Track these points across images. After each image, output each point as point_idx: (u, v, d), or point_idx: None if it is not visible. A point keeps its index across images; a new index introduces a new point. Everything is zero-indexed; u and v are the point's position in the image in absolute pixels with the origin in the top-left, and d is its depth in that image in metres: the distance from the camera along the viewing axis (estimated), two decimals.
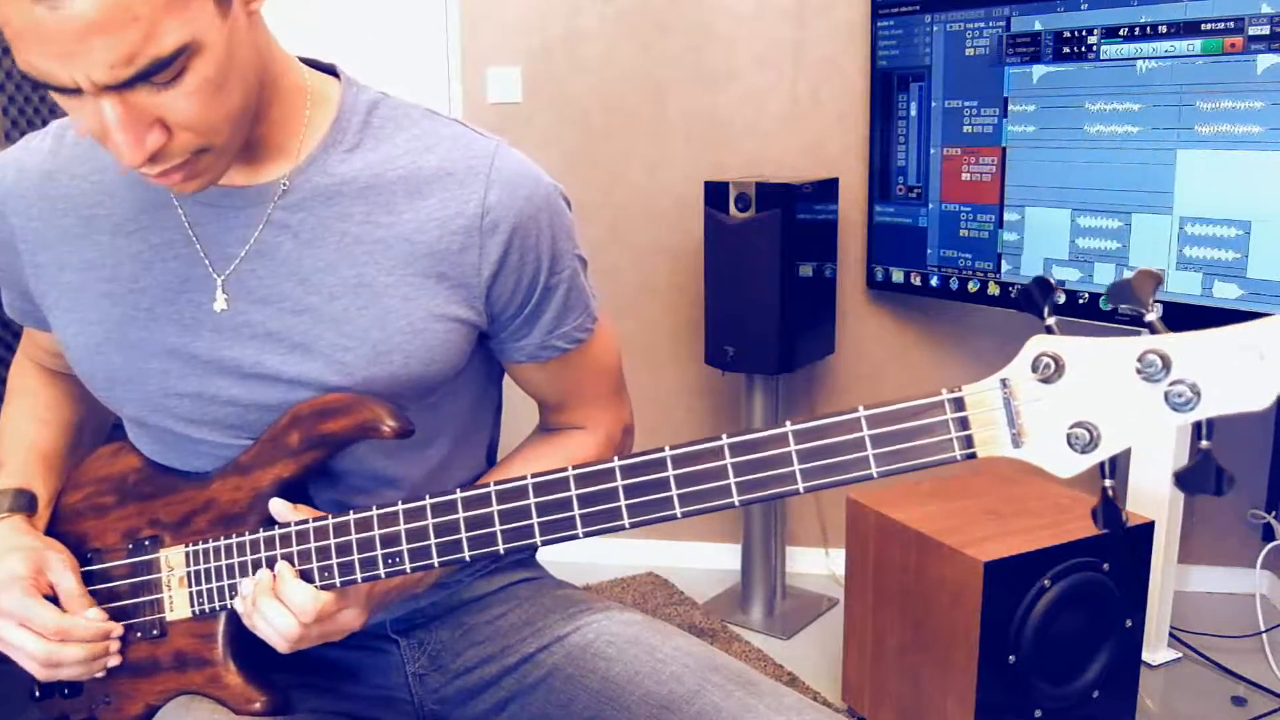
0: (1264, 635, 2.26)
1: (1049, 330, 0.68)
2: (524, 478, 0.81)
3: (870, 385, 2.60)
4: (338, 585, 0.85)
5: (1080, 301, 2.03)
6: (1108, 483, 0.69)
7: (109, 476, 0.97)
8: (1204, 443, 0.65)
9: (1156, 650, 2.17)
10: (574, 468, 0.79)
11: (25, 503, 0.97)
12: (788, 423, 0.73)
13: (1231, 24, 1.75)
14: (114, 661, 0.93)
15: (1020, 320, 2.33)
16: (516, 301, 0.92)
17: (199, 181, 0.81)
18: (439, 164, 0.89)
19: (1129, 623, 1.75)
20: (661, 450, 0.76)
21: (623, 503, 0.78)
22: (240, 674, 0.90)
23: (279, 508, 0.87)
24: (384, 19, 2.59)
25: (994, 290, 2.19)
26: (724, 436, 0.75)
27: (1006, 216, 2.13)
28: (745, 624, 2.43)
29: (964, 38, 2.15)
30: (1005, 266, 2.15)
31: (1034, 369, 0.67)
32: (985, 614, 1.62)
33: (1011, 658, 1.65)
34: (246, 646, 0.90)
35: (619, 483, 0.78)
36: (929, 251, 2.30)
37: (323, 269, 0.87)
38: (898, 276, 2.38)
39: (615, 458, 0.78)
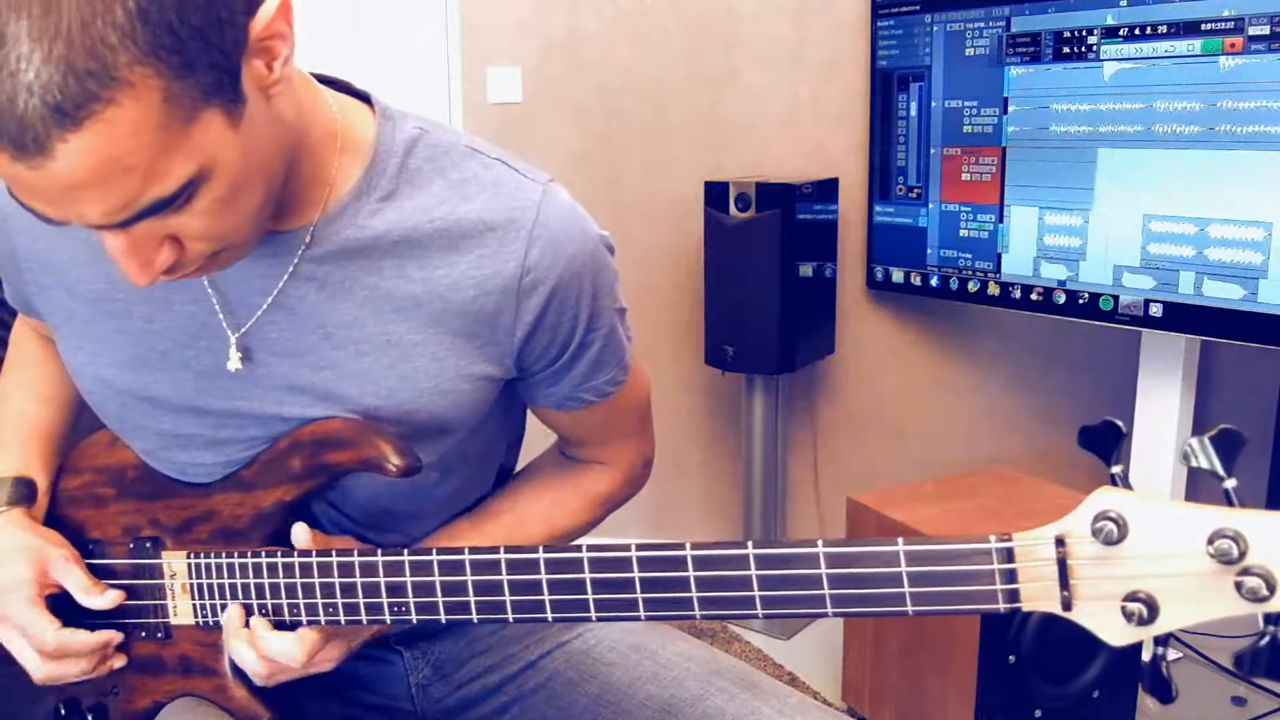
0: None
1: (1114, 480, 0.63)
2: (535, 550, 0.77)
3: (870, 385, 2.60)
4: (342, 623, 0.82)
5: (1080, 301, 2.03)
6: (1160, 650, 0.64)
7: (107, 468, 0.95)
8: (1271, 627, 0.61)
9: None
10: (588, 549, 0.76)
11: (25, 493, 0.95)
12: (820, 542, 0.69)
13: (1231, 24, 1.75)
14: (119, 663, 0.92)
15: (1021, 321, 2.33)
16: (548, 357, 0.88)
17: (220, 268, 0.76)
18: (479, 215, 0.82)
19: None
20: (682, 548, 0.72)
21: (639, 595, 0.74)
22: (245, 687, 0.89)
23: (300, 535, 0.84)
24: (384, 19, 2.59)
25: (994, 290, 2.19)
26: (749, 545, 0.71)
27: (1006, 216, 2.13)
28: (745, 624, 2.43)
29: (964, 38, 2.15)
30: (1005, 266, 2.15)
31: (1095, 530, 0.62)
32: (985, 614, 1.62)
33: (1011, 658, 1.65)
34: None
35: (636, 574, 0.74)
36: (929, 251, 2.30)
37: (349, 324, 0.82)
38: (898, 276, 2.38)
39: (632, 547, 0.74)
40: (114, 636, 0.91)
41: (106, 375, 0.87)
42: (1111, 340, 2.14)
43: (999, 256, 2.16)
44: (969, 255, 2.22)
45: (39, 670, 0.89)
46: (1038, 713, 1.69)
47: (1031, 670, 1.66)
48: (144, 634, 0.92)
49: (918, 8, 2.22)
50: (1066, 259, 2.04)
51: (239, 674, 0.89)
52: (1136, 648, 1.99)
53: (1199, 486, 2.09)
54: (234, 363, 0.83)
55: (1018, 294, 2.14)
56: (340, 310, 0.82)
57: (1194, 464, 0.61)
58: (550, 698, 0.95)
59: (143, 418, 0.88)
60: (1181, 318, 1.86)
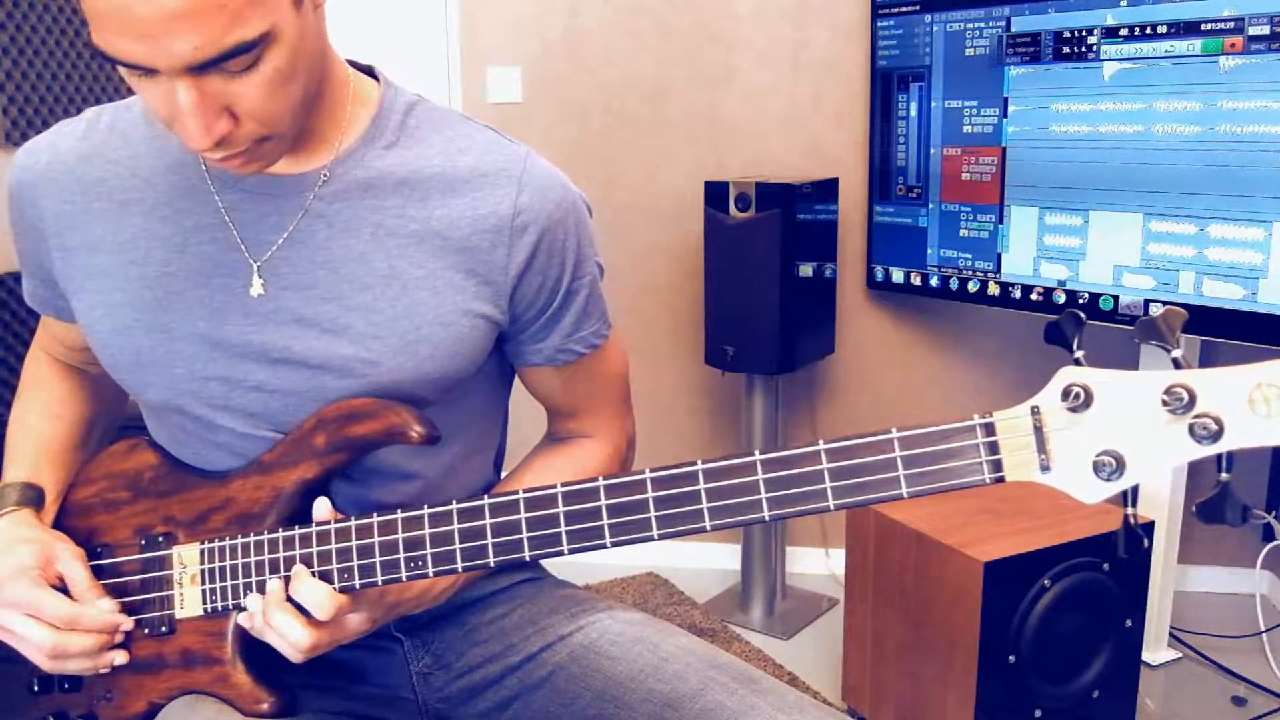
0: (1264, 635, 2.26)
1: (1078, 363, 0.70)
2: (554, 486, 0.81)
3: (870, 385, 2.60)
4: (357, 587, 0.85)
5: (1080, 301, 2.03)
6: (1129, 510, 0.71)
7: (123, 472, 0.97)
8: (1224, 475, 0.67)
9: (1156, 650, 2.18)
10: (604, 478, 0.80)
11: (33, 497, 0.97)
12: (820, 441, 0.75)
13: (1231, 24, 1.75)
14: (120, 660, 0.93)
15: (1020, 320, 2.33)
16: (539, 303, 0.94)
17: (257, 166, 0.83)
18: (473, 165, 0.91)
19: (1129, 623, 1.75)
20: (694, 464, 0.77)
21: (653, 514, 0.78)
22: (249, 674, 0.89)
23: (322, 509, 0.87)
24: (384, 18, 2.59)
25: (994, 290, 2.19)
26: (756, 452, 0.76)
27: (1006, 216, 2.14)
28: (745, 624, 2.43)
29: (964, 38, 2.15)
30: (1005, 266, 2.15)
31: (1064, 398, 0.69)
32: (985, 614, 1.62)
33: (1011, 658, 1.65)
34: (255, 646, 0.89)
35: (650, 494, 0.78)
36: (929, 251, 2.30)
37: (355, 259, 0.89)
38: (898, 276, 2.38)
39: (646, 470, 0.79)
40: (125, 621, 0.92)
41: (125, 322, 0.91)
42: (1111, 340, 2.14)
43: (999, 256, 2.16)
44: (969, 255, 2.22)
45: (48, 640, 0.89)
46: (1038, 713, 1.69)
47: (1031, 670, 1.66)
48: (146, 630, 0.93)
49: (918, 8, 2.22)
50: (1067, 259, 2.04)
51: (244, 659, 0.90)
52: (1136, 650, 1.98)
53: (1199, 482, 2.09)
54: (256, 288, 0.89)
55: (1018, 294, 2.14)
56: (348, 246, 0.89)
57: (1149, 341, 0.69)
58: (554, 692, 0.96)
59: (158, 363, 0.90)
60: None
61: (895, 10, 2.27)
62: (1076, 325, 0.71)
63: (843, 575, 2.10)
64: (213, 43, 0.71)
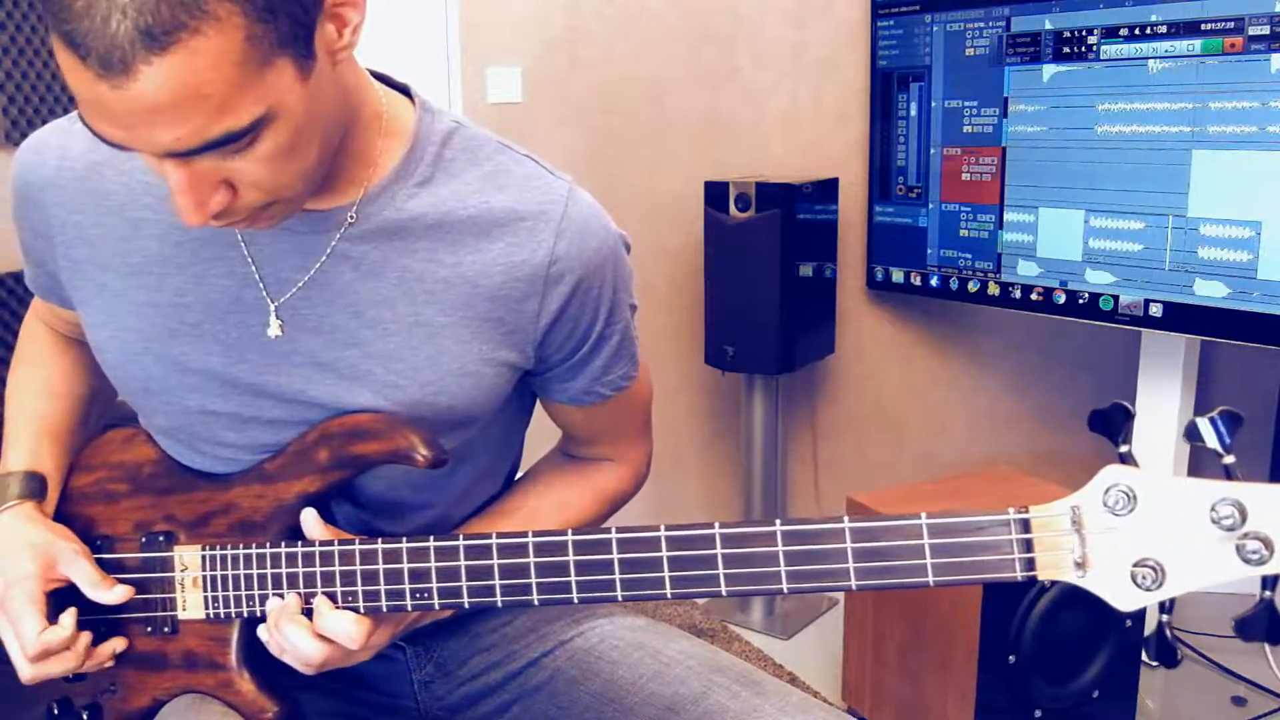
0: None
1: (1122, 459, 0.68)
2: (564, 532, 0.80)
3: (870, 385, 2.60)
4: (360, 611, 0.84)
5: (1080, 301, 2.03)
6: (1165, 618, 0.68)
7: (122, 464, 0.95)
8: (1267, 593, 0.66)
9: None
10: (617, 530, 0.78)
11: (35, 488, 0.95)
12: (845, 518, 0.73)
13: (1231, 24, 1.75)
14: (120, 646, 0.92)
15: (1021, 321, 2.33)
16: (568, 349, 0.90)
17: (265, 224, 0.78)
18: (510, 205, 0.86)
19: (1129, 623, 1.75)
20: (711, 527, 0.76)
21: (666, 574, 0.77)
22: (253, 681, 0.89)
23: (310, 521, 0.86)
24: (384, 18, 2.59)
25: (994, 290, 2.19)
26: (778, 522, 0.74)
27: (1007, 216, 2.13)
28: (745, 624, 2.43)
29: (964, 38, 2.15)
30: (1005, 267, 2.15)
31: (1106, 500, 0.67)
32: (985, 614, 1.62)
33: (1011, 658, 1.65)
34: (259, 653, 0.89)
35: (664, 553, 0.77)
36: (929, 251, 2.30)
37: (379, 304, 0.85)
38: (898, 276, 2.38)
39: (661, 528, 0.77)
40: (86, 638, 0.90)
41: (135, 349, 0.88)
42: (1111, 340, 2.14)
43: (999, 256, 2.16)
44: (969, 255, 2.22)
45: (25, 670, 0.89)
46: (1038, 713, 1.69)
47: (1031, 670, 1.66)
48: (149, 629, 0.92)
49: (918, 8, 2.22)
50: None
51: (248, 667, 0.90)
52: (1136, 650, 1.98)
53: (1198, 474, 2.09)
54: (274, 329, 0.85)
55: (1018, 294, 2.14)
56: (373, 290, 0.85)
57: (1199, 442, 0.67)
58: (553, 695, 0.96)
59: (169, 392, 0.88)
60: (1181, 318, 1.87)
61: (895, 10, 2.27)
62: (1125, 418, 0.69)
63: None
64: (196, 134, 0.66)
